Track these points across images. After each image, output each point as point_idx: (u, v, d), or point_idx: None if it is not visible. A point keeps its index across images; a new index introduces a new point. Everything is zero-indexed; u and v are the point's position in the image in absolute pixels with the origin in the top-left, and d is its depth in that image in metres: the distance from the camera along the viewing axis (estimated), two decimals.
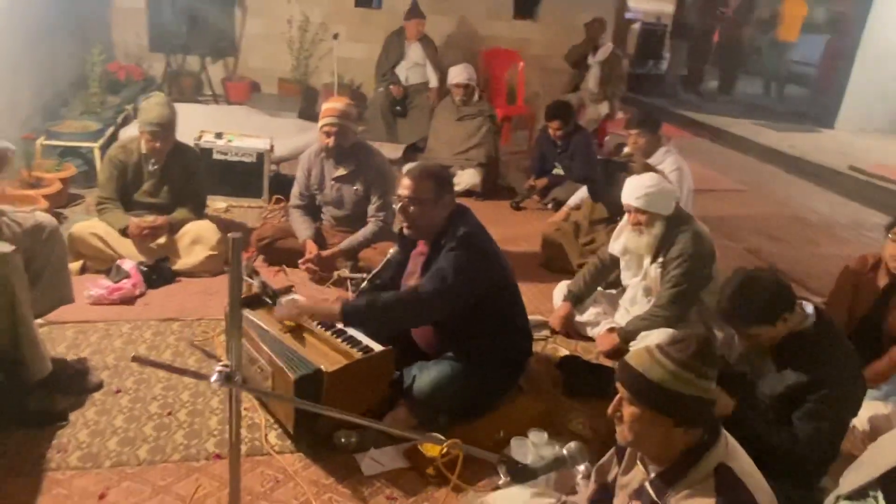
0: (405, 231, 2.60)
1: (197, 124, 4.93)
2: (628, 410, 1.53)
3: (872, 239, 5.29)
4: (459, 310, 2.47)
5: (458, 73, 5.41)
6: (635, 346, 2.97)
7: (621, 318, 3.22)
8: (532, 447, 2.38)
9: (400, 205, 2.54)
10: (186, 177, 3.79)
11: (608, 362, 3.11)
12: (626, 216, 3.13)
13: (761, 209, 5.80)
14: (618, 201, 3.91)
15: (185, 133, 3.93)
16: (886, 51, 8.29)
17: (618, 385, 1.57)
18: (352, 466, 2.35)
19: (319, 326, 2.64)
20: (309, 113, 6.64)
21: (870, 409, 2.53)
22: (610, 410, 1.59)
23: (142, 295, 3.41)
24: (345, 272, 2.93)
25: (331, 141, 3.63)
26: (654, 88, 10.54)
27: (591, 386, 2.86)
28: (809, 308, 2.08)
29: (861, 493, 1.79)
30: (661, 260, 3.01)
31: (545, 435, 2.47)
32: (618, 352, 3.10)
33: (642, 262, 3.13)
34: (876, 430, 2.36)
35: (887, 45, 8.30)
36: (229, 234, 1.52)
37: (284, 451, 2.41)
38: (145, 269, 3.51)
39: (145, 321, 3.19)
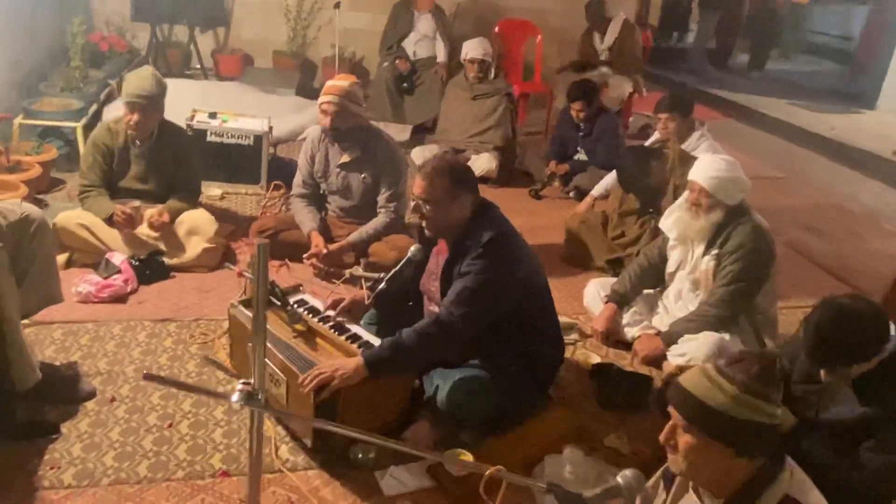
0: (425, 230, 2.55)
1: (185, 101, 4.86)
2: (683, 438, 1.48)
3: None
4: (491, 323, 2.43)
5: (474, 48, 5.33)
6: (678, 351, 2.94)
7: (659, 321, 3.18)
8: (569, 466, 2.36)
9: (414, 204, 2.51)
10: (177, 161, 3.73)
11: (645, 370, 3.07)
12: (685, 193, 3.08)
13: (801, 199, 5.74)
14: (651, 191, 3.91)
15: (174, 111, 3.87)
16: None
17: (670, 410, 1.52)
18: (372, 485, 2.33)
19: (332, 330, 2.62)
20: (307, 89, 6.57)
21: None
22: (662, 438, 1.54)
23: (134, 292, 3.37)
24: (358, 270, 2.90)
25: (327, 121, 3.57)
26: (679, 63, 10.43)
27: (628, 397, 2.84)
28: (891, 329, 2.04)
29: None
30: (715, 252, 2.96)
31: (581, 452, 2.44)
32: (658, 358, 3.06)
33: (692, 252, 3.07)
34: None
35: None
36: (256, 241, 1.49)
37: (297, 467, 2.38)
38: (137, 263, 3.47)
39: (139, 321, 3.15)
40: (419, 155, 5.40)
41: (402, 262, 2.63)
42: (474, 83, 5.35)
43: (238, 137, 4.59)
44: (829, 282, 4.21)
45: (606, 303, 3.23)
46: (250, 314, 2.63)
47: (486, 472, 1.55)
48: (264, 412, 1.60)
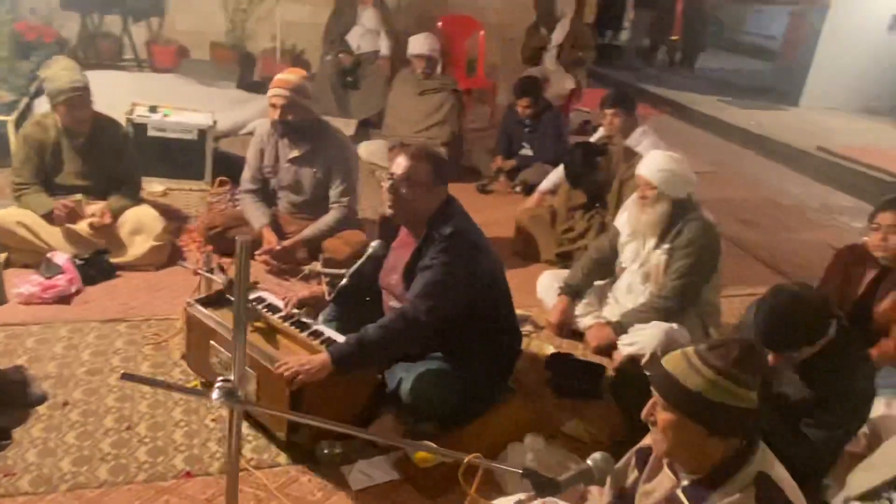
0: (388, 212, 2.53)
1: (119, 94, 4.73)
2: (663, 416, 1.55)
3: (844, 223, 5.60)
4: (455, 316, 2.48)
5: (420, 44, 5.37)
6: (628, 340, 3.07)
7: (610, 311, 3.30)
8: (531, 454, 2.44)
9: (389, 183, 2.47)
10: (115, 155, 3.65)
11: (598, 359, 3.19)
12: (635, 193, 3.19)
13: (733, 192, 6.03)
14: (597, 186, 4.05)
15: (108, 104, 3.78)
16: (854, 24, 8.66)
17: (652, 389, 1.59)
18: (339, 480, 2.35)
19: (290, 325, 2.63)
20: (248, 83, 6.47)
21: None
22: (644, 414, 1.61)
23: (79, 292, 3.28)
24: (317, 266, 2.90)
25: (277, 114, 3.56)
26: (613, 61, 10.74)
27: (583, 385, 2.94)
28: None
29: (874, 494, 1.92)
30: (666, 246, 3.08)
31: (542, 440, 2.53)
32: (609, 347, 3.18)
33: (643, 246, 3.19)
34: (874, 429, 2.53)
35: (855, 18, 8.67)
36: (238, 238, 1.50)
37: (263, 465, 2.39)
38: (81, 262, 3.37)
39: (86, 322, 3.08)
40: (365, 150, 5.40)
41: (363, 258, 2.65)
42: (421, 79, 5.40)
43: (181, 132, 4.50)
44: (763, 272, 4.45)
45: (560, 295, 3.33)
46: (210, 312, 2.64)
47: (465, 460, 1.61)
48: (244, 409, 1.62)
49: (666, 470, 1.66)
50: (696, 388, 1.50)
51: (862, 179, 6.48)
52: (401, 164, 2.47)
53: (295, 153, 3.70)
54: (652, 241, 3.14)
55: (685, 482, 1.60)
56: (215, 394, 1.53)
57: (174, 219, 4.05)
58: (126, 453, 2.37)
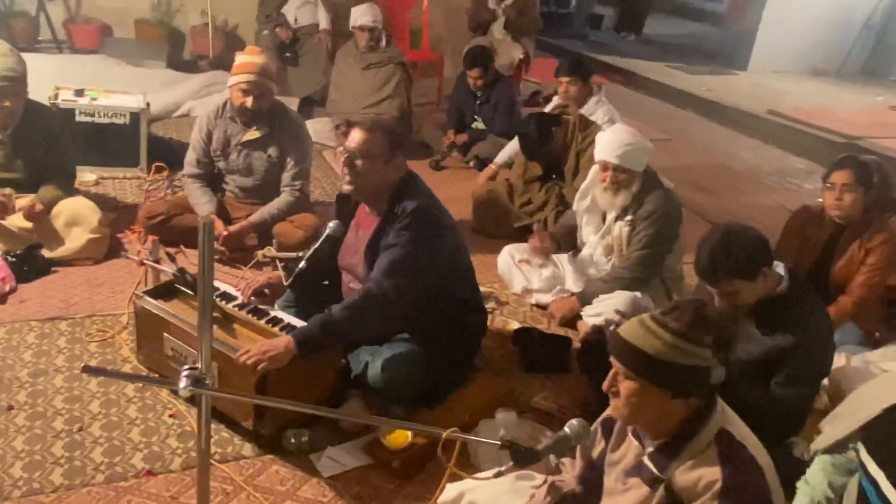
0: (346, 187, 2.54)
1: (40, 77, 4.54)
2: (625, 385, 1.63)
3: (798, 185, 5.84)
4: (421, 294, 2.51)
5: (363, 14, 5.34)
6: (593, 311, 3.16)
7: (573, 283, 3.39)
8: (503, 430, 2.51)
9: (346, 157, 2.49)
10: (46, 144, 3.56)
11: (562, 331, 3.28)
12: (592, 171, 3.26)
13: (687, 159, 6.21)
14: (553, 158, 4.13)
15: (30, 91, 3.64)
16: None
17: (612, 359, 1.66)
18: (309, 468, 2.38)
19: (248, 313, 2.64)
20: (178, 61, 6.34)
21: None
22: (605, 385, 1.68)
23: (13, 291, 3.21)
24: (271, 251, 2.87)
25: (248, 101, 3.52)
26: (560, 29, 10.83)
27: (549, 358, 3.03)
28: (781, 269, 2.32)
29: (841, 445, 2.05)
30: (629, 218, 3.17)
31: (514, 414, 2.61)
32: (573, 318, 3.28)
33: (604, 218, 3.27)
34: (835, 383, 2.68)
35: None
36: (200, 218, 1.50)
37: (227, 459, 2.40)
38: (13, 259, 3.30)
39: (24, 322, 3.02)
40: (311, 129, 5.33)
41: (321, 239, 2.65)
42: (365, 52, 5.37)
43: (112, 116, 4.41)
44: None
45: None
46: (162, 304, 2.62)
47: (444, 434, 1.66)
48: (212, 395, 1.63)
49: (630, 438, 1.74)
50: (655, 352, 1.58)
51: (813, 141, 6.74)
52: (355, 137, 2.49)
53: (250, 135, 3.66)
54: (613, 213, 3.22)
55: (650, 448, 1.68)
56: (182, 382, 1.54)
57: (110, 209, 3.97)
58: (80, 455, 2.36)
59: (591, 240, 3.35)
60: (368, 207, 2.63)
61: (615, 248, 3.24)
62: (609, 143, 3.14)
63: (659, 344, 1.58)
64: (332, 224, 2.66)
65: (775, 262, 2.32)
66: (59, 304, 3.17)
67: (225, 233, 3.56)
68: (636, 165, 3.12)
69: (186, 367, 1.57)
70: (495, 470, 1.72)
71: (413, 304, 2.52)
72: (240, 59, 3.59)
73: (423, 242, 2.48)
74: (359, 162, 2.48)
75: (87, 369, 1.50)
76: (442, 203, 2.66)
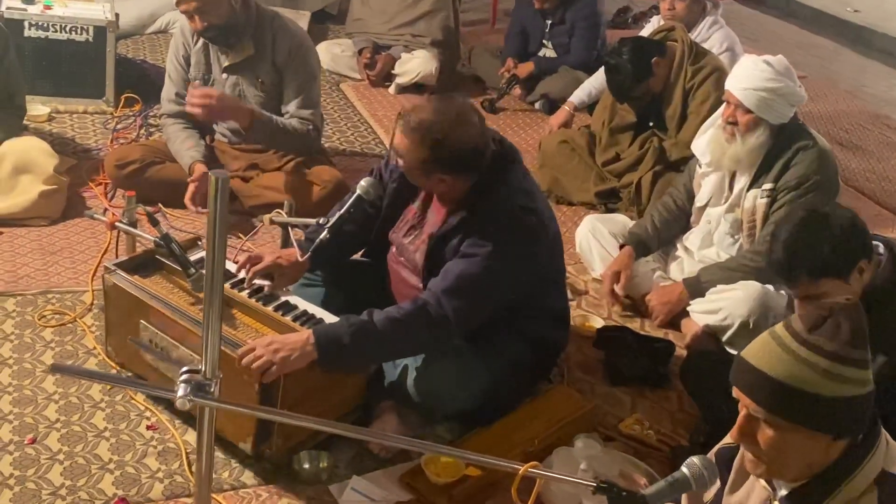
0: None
1: None
2: (764, 433, 1.57)
3: None
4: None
5: None
6: (705, 306, 3.12)
7: (678, 270, 3.35)
8: (584, 462, 2.49)
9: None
10: None
11: (662, 333, 3.25)
12: (723, 106, 3.20)
13: (827, 105, 6.08)
14: (651, 100, 4.05)
15: None
16: None
17: (740, 394, 1.60)
18: (327, 502, 2.39)
19: (258, 300, 2.65)
20: None
21: None
22: (736, 435, 1.63)
23: None
24: (281, 215, 2.85)
25: (196, 23, 3.54)
26: None
27: (644, 369, 3.00)
28: (881, 247, 2.30)
29: None
30: (768, 186, 3.10)
31: (598, 444, 2.58)
32: (678, 316, 3.24)
33: (735, 183, 3.19)
34: None
35: None
36: (211, 172, 1.48)
37: (223, 487, 2.41)
38: None
39: None
40: (326, 52, 5.35)
41: (348, 202, 2.63)
42: None
43: (70, 31, 4.43)
44: (870, 209, 4.51)
45: (622, 246, 3.36)
46: (139, 280, 2.64)
47: (521, 471, 1.65)
48: (217, 408, 1.63)
49: (758, 479, 1.71)
50: (810, 388, 1.51)
51: None
52: (396, 139, 2.49)
53: (233, 58, 3.65)
54: (745, 179, 3.16)
55: (783, 491, 1.65)
56: (181, 390, 1.54)
57: (68, 154, 4.00)
58: (34, 475, 2.38)
59: (710, 212, 3.28)
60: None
61: (744, 225, 3.17)
62: (744, 71, 3.10)
63: (814, 376, 1.52)
64: (363, 182, 2.65)
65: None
66: (4, 277, 3.21)
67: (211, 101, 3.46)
68: (770, 114, 3.06)
69: (185, 369, 1.57)
70: None
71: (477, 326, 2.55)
72: None
73: (510, 259, 2.48)
74: (414, 178, 2.55)
75: (57, 368, 1.50)
76: (543, 195, 2.74)
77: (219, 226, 1.48)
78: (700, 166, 3.31)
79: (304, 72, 3.70)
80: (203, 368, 1.59)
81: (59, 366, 1.52)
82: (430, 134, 2.41)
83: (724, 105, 3.19)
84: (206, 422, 1.61)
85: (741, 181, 3.18)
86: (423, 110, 2.46)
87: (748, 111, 3.05)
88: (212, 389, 1.57)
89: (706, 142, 3.25)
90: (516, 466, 1.65)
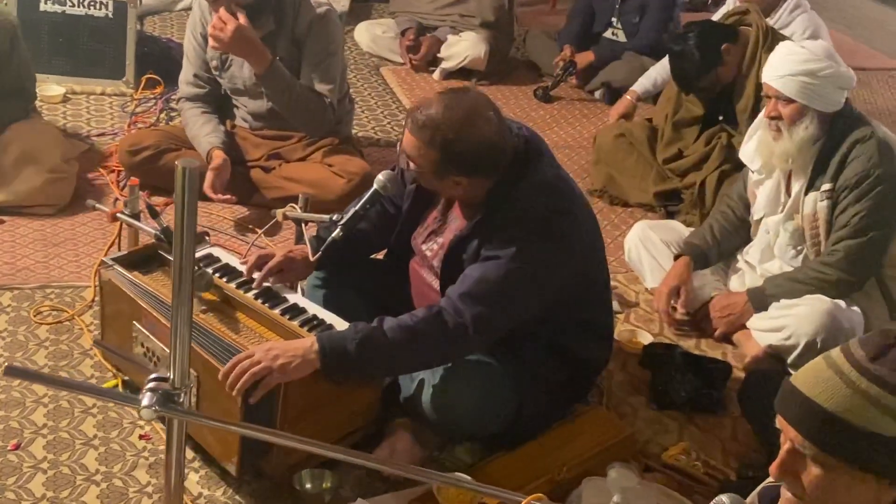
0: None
1: None
2: (811, 472, 1.52)
3: None
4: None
5: None
6: (767, 323, 3.06)
7: (739, 285, 3.30)
8: (617, 494, 2.43)
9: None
10: None
11: (720, 352, 3.19)
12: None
13: None
14: (722, 91, 3.97)
15: None
16: None
17: (785, 425, 1.55)
18: None
19: (262, 302, 2.65)
20: None
21: None
22: (777, 471, 1.57)
23: None
24: (295, 209, 2.84)
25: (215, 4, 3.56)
26: None
27: (696, 391, 2.94)
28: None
29: None
30: (826, 187, 3.04)
31: (634, 473, 2.52)
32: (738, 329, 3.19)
33: (788, 188, 3.14)
34: None
35: None
36: (178, 162, 1.48)
37: None
38: None
39: None
40: (366, 33, 5.37)
41: (364, 198, 2.61)
42: None
43: (88, 6, 4.51)
44: None
45: (678, 256, 3.31)
46: (136, 277, 2.65)
47: (524, 502, 1.61)
48: (187, 420, 1.62)
49: None
50: (872, 426, 1.45)
51: None
52: (405, 139, 2.47)
53: None
54: (801, 181, 3.09)
55: None
56: (145, 399, 1.53)
57: (81, 137, 4.05)
58: (15, 485, 2.40)
59: (768, 222, 3.22)
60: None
61: (807, 233, 3.11)
62: (779, 58, 3.06)
63: (874, 412, 1.45)
64: (380, 176, 2.61)
65: None
66: (2, 269, 3.27)
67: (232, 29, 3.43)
68: (816, 101, 2.98)
69: (153, 376, 1.56)
70: None
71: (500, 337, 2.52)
72: None
73: (536, 264, 2.43)
74: (423, 181, 2.54)
75: (11, 371, 1.50)
76: (580, 192, 2.67)
77: (187, 222, 1.47)
78: (752, 173, 3.25)
79: (323, 44, 3.72)
80: (172, 376, 1.57)
81: (13, 367, 1.52)
82: (440, 132, 2.36)
83: (764, 103, 3.15)
84: (175, 435, 1.60)
85: (797, 184, 3.12)
86: (432, 106, 2.41)
87: (790, 100, 2.99)
88: (181, 399, 1.55)
89: (753, 146, 3.20)
90: (517, 498, 1.62)
